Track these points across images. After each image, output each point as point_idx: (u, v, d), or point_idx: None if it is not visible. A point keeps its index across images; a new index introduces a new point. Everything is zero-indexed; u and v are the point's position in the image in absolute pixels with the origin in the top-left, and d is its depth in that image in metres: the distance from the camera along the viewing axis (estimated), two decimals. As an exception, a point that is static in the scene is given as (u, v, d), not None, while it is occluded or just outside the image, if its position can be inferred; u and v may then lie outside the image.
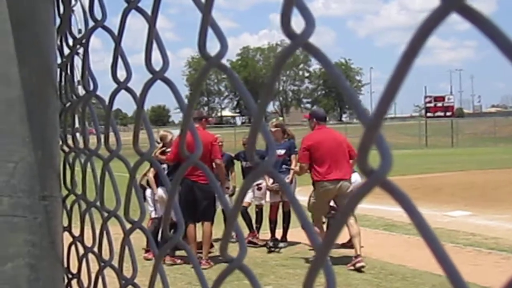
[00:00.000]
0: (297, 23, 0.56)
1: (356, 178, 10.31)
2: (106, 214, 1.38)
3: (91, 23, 1.30)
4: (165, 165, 10.50)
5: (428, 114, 76.90)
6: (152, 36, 0.94)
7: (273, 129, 11.69)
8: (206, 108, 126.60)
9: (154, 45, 0.98)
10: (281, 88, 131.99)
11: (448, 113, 76.62)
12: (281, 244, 11.74)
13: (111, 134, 1.27)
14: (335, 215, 9.54)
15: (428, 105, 78.21)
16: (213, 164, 10.33)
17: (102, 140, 1.30)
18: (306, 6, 0.53)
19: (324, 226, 10.61)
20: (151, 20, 0.92)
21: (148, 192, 11.13)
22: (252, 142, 0.61)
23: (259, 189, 12.04)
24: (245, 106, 0.62)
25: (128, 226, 1.27)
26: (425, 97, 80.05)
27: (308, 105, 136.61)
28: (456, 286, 0.42)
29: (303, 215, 0.58)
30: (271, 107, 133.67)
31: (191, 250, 1.00)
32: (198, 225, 10.55)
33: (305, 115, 11.75)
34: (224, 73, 0.70)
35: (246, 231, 12.27)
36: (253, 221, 12.35)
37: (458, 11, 0.38)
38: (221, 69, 0.70)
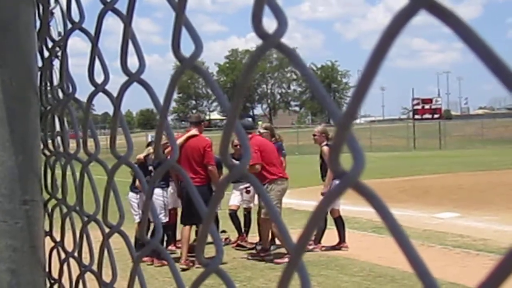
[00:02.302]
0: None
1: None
2: (86, 218, 1.37)
3: (70, 25, 1.29)
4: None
5: (416, 117, 77.08)
6: (128, 37, 0.93)
7: (262, 131, 11.84)
8: (194, 111, 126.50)
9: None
10: (269, 90, 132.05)
11: (436, 115, 76.83)
12: (271, 247, 11.74)
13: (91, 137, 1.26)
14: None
15: (416, 107, 78.37)
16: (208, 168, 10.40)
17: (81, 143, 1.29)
18: (278, 5, 0.53)
19: None
20: (127, 20, 0.91)
21: (131, 195, 11.10)
22: (225, 144, 0.60)
23: (248, 192, 12.07)
24: (221, 108, 0.61)
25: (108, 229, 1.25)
26: (413, 99, 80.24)
27: (297, 108, 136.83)
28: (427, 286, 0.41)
29: (278, 218, 0.57)
30: (259, 110, 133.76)
31: (168, 254, 0.99)
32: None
33: None
34: (198, 75, 0.69)
35: (235, 234, 12.25)
36: (242, 224, 12.34)
37: (427, 8, 0.37)
38: (196, 71, 0.69)
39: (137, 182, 10.75)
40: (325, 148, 11.47)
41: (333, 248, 11.45)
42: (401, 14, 0.38)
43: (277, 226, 0.57)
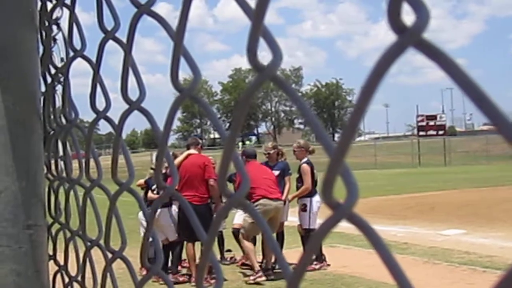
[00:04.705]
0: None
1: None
2: (89, 243, 1.37)
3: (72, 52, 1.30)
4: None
5: (421, 133, 77.18)
6: (128, 65, 0.94)
7: (271, 152, 11.83)
8: (199, 130, 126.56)
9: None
10: (273, 108, 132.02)
11: (441, 132, 76.95)
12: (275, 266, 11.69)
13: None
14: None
15: (420, 124, 78.52)
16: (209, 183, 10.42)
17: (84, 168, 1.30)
18: (273, 38, 0.54)
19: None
20: (127, 49, 0.92)
21: (140, 214, 11.16)
22: (223, 173, 0.61)
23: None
24: (220, 137, 0.62)
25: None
26: (417, 116, 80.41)
27: (301, 126, 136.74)
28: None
29: (276, 247, 0.58)
30: (263, 128, 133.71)
31: (170, 280, 0.99)
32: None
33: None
34: (197, 104, 0.70)
35: (240, 253, 12.21)
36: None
37: (416, 46, 0.38)
38: (194, 101, 0.70)
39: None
40: (305, 166, 11.43)
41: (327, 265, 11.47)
42: (389, 52, 0.38)
43: (275, 255, 0.58)
